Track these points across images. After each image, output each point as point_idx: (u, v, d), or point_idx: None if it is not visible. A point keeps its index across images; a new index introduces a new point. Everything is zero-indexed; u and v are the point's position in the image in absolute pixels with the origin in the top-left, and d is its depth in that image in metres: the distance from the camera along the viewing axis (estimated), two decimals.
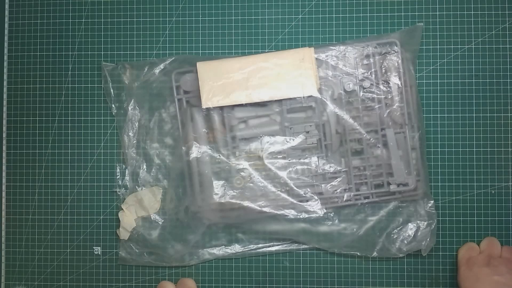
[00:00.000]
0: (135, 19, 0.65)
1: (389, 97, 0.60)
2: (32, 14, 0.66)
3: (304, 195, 0.60)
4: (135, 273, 0.65)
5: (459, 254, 0.61)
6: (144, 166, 0.64)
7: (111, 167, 0.65)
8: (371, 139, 0.60)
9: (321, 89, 0.60)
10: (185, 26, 0.64)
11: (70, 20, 0.65)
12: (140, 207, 0.63)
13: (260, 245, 0.63)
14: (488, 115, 0.62)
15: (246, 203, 0.60)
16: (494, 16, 0.62)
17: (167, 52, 0.64)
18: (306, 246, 0.63)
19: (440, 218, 0.62)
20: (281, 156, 0.61)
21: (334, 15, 0.63)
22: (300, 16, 0.64)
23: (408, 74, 0.60)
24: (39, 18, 0.66)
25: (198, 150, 0.61)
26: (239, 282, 0.64)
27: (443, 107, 0.62)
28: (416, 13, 0.63)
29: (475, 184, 0.62)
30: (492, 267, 0.57)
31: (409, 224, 0.61)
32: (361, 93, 0.60)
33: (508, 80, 0.62)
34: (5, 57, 0.66)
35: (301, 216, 0.60)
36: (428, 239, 0.60)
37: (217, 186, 0.60)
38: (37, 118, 0.65)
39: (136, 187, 0.64)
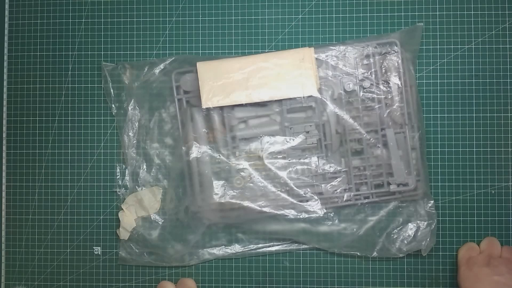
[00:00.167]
0: (135, 19, 0.65)
1: (389, 97, 0.60)
2: (32, 14, 0.66)
3: (304, 195, 0.60)
4: (135, 273, 0.65)
5: (459, 254, 0.61)
6: (144, 166, 0.64)
7: (111, 167, 0.65)
8: (371, 139, 0.60)
9: (321, 89, 0.60)
10: (185, 26, 0.64)
11: (70, 20, 0.65)
12: (140, 207, 0.63)
13: (260, 245, 0.63)
14: (488, 115, 0.62)
15: (246, 203, 0.60)
16: (494, 16, 0.62)
17: (167, 52, 0.64)
18: (306, 246, 0.63)
19: (440, 218, 0.62)
20: (281, 156, 0.61)
21: (334, 15, 0.63)
22: (300, 16, 0.64)
23: (408, 74, 0.60)
24: (39, 18, 0.66)
25: (198, 150, 0.61)
26: (239, 282, 0.64)
27: (443, 107, 0.62)
28: (416, 13, 0.63)
29: (475, 184, 0.62)
30: (492, 267, 0.57)
31: (409, 224, 0.61)
32: (361, 93, 0.60)
33: (508, 80, 0.62)
34: (5, 57, 0.66)
35: (301, 216, 0.60)
36: (428, 239, 0.60)
37: (217, 186, 0.60)
38: (37, 118, 0.65)
39: (136, 187, 0.64)
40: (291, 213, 0.60)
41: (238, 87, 0.59)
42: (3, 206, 0.66)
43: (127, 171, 0.64)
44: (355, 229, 0.61)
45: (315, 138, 0.60)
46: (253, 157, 0.61)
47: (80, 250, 0.65)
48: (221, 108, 0.60)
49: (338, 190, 0.61)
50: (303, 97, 0.59)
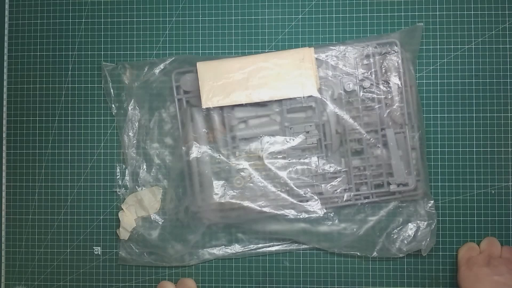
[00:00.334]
0: (135, 19, 0.65)
1: (389, 97, 0.60)
2: (32, 14, 0.66)
3: (304, 195, 0.60)
4: (135, 273, 0.65)
5: (459, 254, 0.61)
6: (144, 166, 0.64)
7: (111, 167, 0.65)
8: (371, 139, 0.60)
9: (321, 89, 0.60)
10: (185, 26, 0.64)
11: (70, 20, 0.65)
12: (140, 207, 0.63)
13: (260, 245, 0.63)
14: (488, 115, 0.62)
15: (246, 203, 0.60)
16: (494, 16, 0.62)
17: (167, 52, 0.64)
18: (306, 246, 0.63)
19: (440, 218, 0.62)
20: (281, 156, 0.61)
21: (334, 15, 0.63)
22: (300, 16, 0.64)
23: (408, 74, 0.60)
24: (39, 18, 0.66)
25: (198, 150, 0.61)
26: (239, 282, 0.64)
27: (443, 107, 0.62)
28: (416, 13, 0.63)
29: (475, 184, 0.62)
30: (492, 267, 0.57)
31: (409, 224, 0.61)
32: (361, 93, 0.60)
33: (508, 80, 0.62)
34: (5, 57, 0.66)
35: (301, 216, 0.60)
36: (428, 239, 0.60)
37: (217, 186, 0.60)
38: (37, 118, 0.65)
39: (136, 187, 0.64)
40: (291, 213, 0.60)
41: (238, 87, 0.59)
42: (3, 206, 0.66)
43: (127, 171, 0.64)
44: (355, 229, 0.61)
45: (315, 138, 0.60)
46: (253, 157, 0.61)
47: (80, 250, 0.65)
48: (221, 108, 0.60)
49: (338, 190, 0.61)
50: (303, 97, 0.59)
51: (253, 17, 0.64)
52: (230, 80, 0.59)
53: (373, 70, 0.60)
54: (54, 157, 0.65)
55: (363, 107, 0.60)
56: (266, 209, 0.60)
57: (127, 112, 0.64)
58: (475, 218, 0.62)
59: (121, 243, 0.64)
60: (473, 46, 0.62)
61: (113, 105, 0.64)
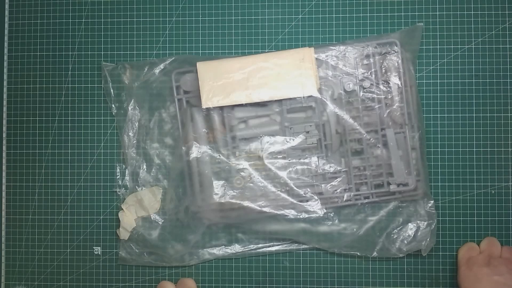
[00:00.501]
0: (135, 19, 0.65)
1: (389, 97, 0.60)
2: (32, 14, 0.66)
3: (304, 195, 0.60)
4: (135, 273, 0.65)
5: (459, 254, 0.61)
6: (144, 166, 0.64)
7: (111, 167, 0.65)
8: (371, 139, 0.60)
9: (321, 89, 0.60)
10: (185, 26, 0.64)
11: (70, 20, 0.65)
12: (140, 207, 0.63)
13: (260, 245, 0.63)
14: (488, 115, 0.62)
15: (246, 203, 0.60)
16: (494, 16, 0.62)
17: (167, 52, 0.64)
18: (306, 246, 0.63)
19: (440, 218, 0.62)
20: (281, 156, 0.61)
21: (334, 15, 0.63)
22: (300, 16, 0.64)
23: (408, 74, 0.60)
24: (39, 18, 0.66)
25: (198, 150, 0.61)
26: (239, 282, 0.64)
27: (443, 107, 0.62)
28: (416, 13, 0.63)
29: (475, 184, 0.62)
30: (492, 267, 0.57)
31: (409, 224, 0.61)
32: (361, 93, 0.60)
33: (508, 80, 0.62)
34: (5, 57, 0.66)
35: (301, 216, 0.60)
36: (428, 239, 0.60)
37: (217, 186, 0.60)
38: (37, 118, 0.65)
39: (136, 187, 0.64)
40: (291, 213, 0.60)
41: (238, 87, 0.59)
42: (3, 206, 0.66)
43: (127, 171, 0.64)
44: (355, 229, 0.61)
45: (315, 138, 0.60)
46: (253, 157, 0.61)
47: (80, 250, 0.65)
48: (221, 108, 0.60)
49: (338, 190, 0.61)
50: (303, 97, 0.59)
51: (253, 17, 0.64)
52: (230, 80, 0.59)
53: (373, 70, 0.60)
54: (54, 157, 0.65)
55: (363, 107, 0.60)
56: (266, 209, 0.60)
57: (127, 112, 0.64)
58: (475, 218, 0.62)
59: (121, 243, 0.64)
60: (473, 46, 0.62)
61: (113, 105, 0.64)
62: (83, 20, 0.65)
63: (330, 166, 0.61)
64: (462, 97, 0.62)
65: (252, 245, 0.63)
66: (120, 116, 0.64)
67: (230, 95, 0.59)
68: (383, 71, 0.60)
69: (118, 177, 0.64)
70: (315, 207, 0.60)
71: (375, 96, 0.60)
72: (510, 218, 0.62)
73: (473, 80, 0.62)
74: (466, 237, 0.62)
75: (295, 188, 0.60)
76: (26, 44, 0.66)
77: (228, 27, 0.64)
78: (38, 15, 0.66)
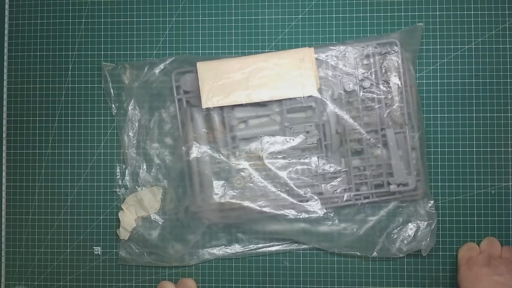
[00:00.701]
0: (135, 19, 0.65)
1: (389, 97, 0.60)
2: (32, 14, 0.66)
3: (304, 195, 0.60)
4: (135, 273, 0.65)
5: (459, 254, 0.61)
6: (144, 166, 0.64)
7: (111, 167, 0.65)
8: (371, 139, 0.60)
9: (321, 89, 0.60)
10: (185, 26, 0.64)
11: (70, 20, 0.65)
12: (140, 207, 0.63)
13: (260, 245, 0.63)
14: (488, 115, 0.62)
15: (246, 203, 0.60)
16: (494, 16, 0.62)
17: (167, 52, 0.64)
18: (306, 246, 0.63)
19: (440, 218, 0.62)
20: (281, 156, 0.61)
21: (334, 15, 0.63)
22: (300, 16, 0.64)
23: (408, 74, 0.60)
24: (39, 18, 0.66)
25: (198, 150, 0.61)
26: (239, 282, 0.64)
27: (443, 107, 0.62)
28: (416, 13, 0.63)
29: (475, 184, 0.62)
30: (492, 267, 0.57)
31: (409, 224, 0.61)
32: (361, 93, 0.60)
33: (508, 80, 0.62)
34: (5, 57, 0.66)
35: (301, 216, 0.60)
36: (428, 239, 0.60)
37: (217, 186, 0.60)
38: (37, 118, 0.65)
39: (136, 187, 0.64)
40: (291, 213, 0.60)
41: (238, 87, 0.59)
42: (3, 206, 0.66)
43: (127, 171, 0.64)
44: (355, 229, 0.61)
45: (315, 138, 0.60)
46: (253, 157, 0.61)
47: (80, 250, 0.65)
48: (221, 108, 0.60)
49: (338, 190, 0.61)
50: (303, 97, 0.59)
51: (253, 17, 0.64)
52: (230, 80, 0.59)
53: (373, 70, 0.60)
54: (54, 157, 0.65)
55: (363, 107, 0.60)
56: (266, 209, 0.60)
57: (127, 112, 0.64)
58: (475, 218, 0.62)
59: (121, 243, 0.64)
60: (473, 46, 0.62)
61: (113, 105, 0.64)
62: (83, 20, 0.65)
63: (330, 166, 0.61)
64: (462, 97, 0.62)
65: (252, 245, 0.63)
66: (120, 116, 0.64)
67: (230, 95, 0.59)
68: (383, 71, 0.60)
69: (118, 177, 0.64)
70: (315, 207, 0.60)
71: (375, 96, 0.60)
72: (510, 218, 0.62)
73: (473, 80, 0.62)
74: (466, 237, 0.62)
75: (295, 188, 0.60)
76: (26, 44, 0.66)
77: (228, 27, 0.64)
78: (38, 15, 0.66)
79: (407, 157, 0.60)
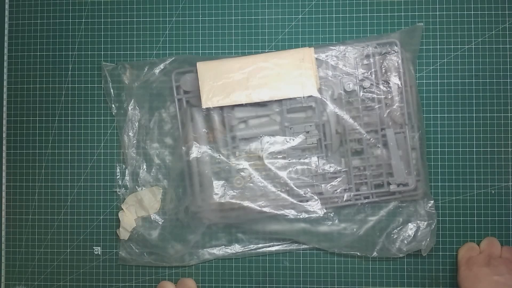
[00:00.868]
0: (135, 19, 0.65)
1: (389, 97, 0.60)
2: (32, 14, 0.66)
3: (304, 195, 0.60)
4: (135, 273, 0.65)
5: (459, 254, 0.61)
6: (144, 166, 0.64)
7: (111, 167, 0.65)
8: (371, 139, 0.60)
9: (321, 89, 0.60)
10: (185, 26, 0.64)
11: (70, 20, 0.65)
12: (140, 207, 0.63)
13: (260, 245, 0.63)
14: (488, 115, 0.62)
15: (246, 203, 0.60)
16: (494, 16, 0.62)
17: (167, 52, 0.64)
18: (306, 246, 0.63)
19: (440, 218, 0.62)
20: (281, 156, 0.61)
21: (334, 15, 0.63)
22: (300, 16, 0.64)
23: (408, 74, 0.60)
24: (39, 18, 0.66)
25: (198, 150, 0.61)
26: (239, 282, 0.64)
27: (443, 107, 0.62)
28: (416, 13, 0.63)
29: (475, 184, 0.62)
30: (492, 267, 0.57)
31: (409, 224, 0.61)
32: (361, 93, 0.60)
33: (508, 80, 0.62)
34: (5, 57, 0.66)
35: (301, 216, 0.60)
36: (428, 239, 0.60)
37: (217, 186, 0.60)
38: (37, 118, 0.65)
39: (136, 187, 0.64)
40: (291, 213, 0.60)
41: (238, 87, 0.59)
42: (3, 206, 0.66)
43: (127, 171, 0.64)
44: (355, 229, 0.61)
45: (315, 138, 0.60)
46: (253, 157, 0.61)
47: (80, 250, 0.65)
48: (221, 108, 0.60)
49: (338, 190, 0.61)
50: (303, 97, 0.59)
51: (253, 17, 0.64)
52: (230, 80, 0.59)
53: (373, 70, 0.60)
54: (54, 157, 0.65)
55: (363, 107, 0.60)
56: (266, 209, 0.60)
57: (127, 112, 0.64)
58: (475, 218, 0.62)
59: (121, 243, 0.64)
60: (473, 46, 0.62)
61: (113, 105, 0.64)
62: (83, 20, 0.65)
63: (330, 166, 0.61)
64: (462, 97, 0.62)
65: (252, 245, 0.63)
66: (120, 116, 0.64)
67: (230, 95, 0.59)
68: (383, 71, 0.60)
69: (118, 177, 0.64)
70: (315, 207, 0.60)
71: (375, 96, 0.60)
72: (510, 218, 0.62)
73: (473, 80, 0.62)
74: (466, 237, 0.62)
75: (295, 188, 0.60)
76: (26, 44, 0.66)
77: (228, 27, 0.64)
78: (38, 15, 0.66)
79: (407, 157, 0.60)
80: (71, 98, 0.65)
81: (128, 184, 0.64)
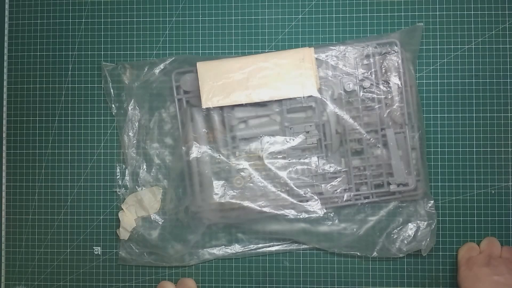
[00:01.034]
0: (135, 19, 0.65)
1: (389, 97, 0.60)
2: (32, 14, 0.66)
3: (304, 195, 0.60)
4: (135, 273, 0.65)
5: (459, 254, 0.61)
6: (144, 166, 0.64)
7: (111, 167, 0.65)
8: (371, 139, 0.60)
9: (321, 89, 0.60)
10: (185, 26, 0.64)
11: (70, 20, 0.65)
12: (140, 207, 0.63)
13: (260, 245, 0.63)
14: (488, 115, 0.62)
15: (246, 203, 0.60)
16: (494, 16, 0.62)
17: (167, 52, 0.64)
18: (306, 246, 0.63)
19: (440, 218, 0.62)
20: (281, 156, 0.61)
21: (334, 15, 0.63)
22: (300, 16, 0.64)
23: (408, 74, 0.60)
24: (39, 18, 0.66)
25: (198, 150, 0.61)
26: (239, 282, 0.64)
27: (443, 107, 0.62)
28: (416, 13, 0.63)
29: (475, 184, 0.62)
30: (492, 267, 0.57)
31: (409, 224, 0.61)
32: (361, 93, 0.60)
33: (508, 80, 0.62)
34: (5, 57, 0.66)
35: (301, 216, 0.60)
36: (428, 239, 0.60)
37: (217, 186, 0.60)
38: (37, 118, 0.65)
39: (136, 187, 0.64)
40: (291, 213, 0.60)
41: (238, 87, 0.59)
42: (3, 206, 0.66)
43: (127, 171, 0.64)
44: (355, 229, 0.61)
45: (315, 138, 0.60)
46: (253, 157, 0.61)
47: (80, 250, 0.65)
48: (221, 108, 0.60)
49: (338, 190, 0.61)
50: (303, 97, 0.59)
51: (253, 17, 0.64)
52: (230, 80, 0.59)
53: (373, 70, 0.60)
54: (54, 157, 0.65)
55: (363, 107, 0.60)
56: (266, 209, 0.60)
57: (127, 112, 0.64)
58: (475, 218, 0.62)
59: (121, 243, 0.64)
60: (473, 46, 0.62)
61: (113, 105, 0.64)
62: (83, 20, 0.65)
63: (330, 166, 0.61)
64: (462, 97, 0.62)
65: (252, 245, 0.63)
66: (120, 116, 0.64)
67: (230, 95, 0.59)
68: (383, 71, 0.60)
69: (118, 177, 0.64)
70: (315, 207, 0.60)
71: (375, 96, 0.60)
72: (510, 218, 0.62)
73: (473, 80, 0.62)
74: (466, 237, 0.62)
75: (295, 188, 0.60)
76: (26, 44, 0.66)
77: (228, 27, 0.64)
78: (38, 15, 0.66)
79: (407, 157, 0.60)
80: (71, 98, 0.65)
81: (128, 184, 0.64)
